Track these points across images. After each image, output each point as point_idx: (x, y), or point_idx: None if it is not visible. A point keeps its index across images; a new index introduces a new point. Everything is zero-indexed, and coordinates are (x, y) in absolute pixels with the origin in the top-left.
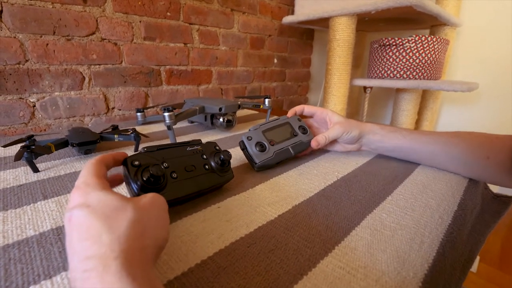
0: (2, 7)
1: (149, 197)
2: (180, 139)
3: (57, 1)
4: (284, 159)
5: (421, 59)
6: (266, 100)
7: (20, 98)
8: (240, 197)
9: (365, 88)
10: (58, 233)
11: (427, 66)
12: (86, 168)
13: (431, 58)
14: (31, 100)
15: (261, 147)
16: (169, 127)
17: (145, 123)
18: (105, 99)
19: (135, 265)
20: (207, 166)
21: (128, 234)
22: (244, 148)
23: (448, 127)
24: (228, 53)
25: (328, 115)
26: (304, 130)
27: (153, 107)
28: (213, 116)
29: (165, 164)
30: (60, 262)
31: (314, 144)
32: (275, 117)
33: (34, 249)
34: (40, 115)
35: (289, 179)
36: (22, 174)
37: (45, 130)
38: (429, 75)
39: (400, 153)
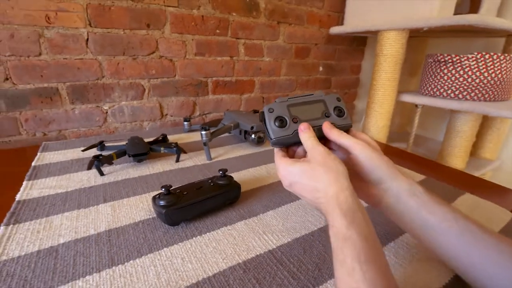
0: (88, 36)
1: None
2: (215, 151)
3: (127, 27)
4: None
5: (482, 79)
6: None
7: (97, 106)
8: (250, 222)
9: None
10: (109, 235)
11: (490, 86)
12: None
13: (495, 78)
14: (105, 108)
15: (281, 122)
16: (205, 144)
17: (190, 130)
18: (160, 107)
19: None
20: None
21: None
22: (262, 120)
23: None
24: (271, 64)
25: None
26: (340, 112)
27: (199, 115)
28: (246, 132)
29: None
30: (107, 260)
31: (324, 126)
32: (311, 92)
33: (92, 246)
34: (110, 120)
35: (299, 208)
36: (92, 177)
37: (113, 132)
38: (493, 95)
39: (435, 238)
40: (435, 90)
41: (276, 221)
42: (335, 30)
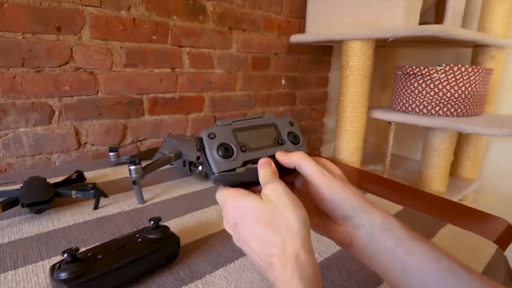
0: None
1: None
2: (150, 190)
3: (28, 30)
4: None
5: (453, 92)
6: None
7: None
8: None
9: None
10: None
11: (462, 100)
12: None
13: (466, 91)
14: None
15: (226, 151)
16: (134, 182)
17: (118, 163)
18: (76, 134)
19: None
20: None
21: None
22: (201, 149)
23: (500, 168)
24: (224, 77)
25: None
26: (295, 138)
27: (131, 143)
28: (191, 163)
29: None
30: None
31: (278, 156)
32: (259, 114)
33: None
34: (1, 154)
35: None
36: None
37: (5, 170)
38: (465, 110)
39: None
40: (407, 105)
41: (226, 283)
42: (296, 38)
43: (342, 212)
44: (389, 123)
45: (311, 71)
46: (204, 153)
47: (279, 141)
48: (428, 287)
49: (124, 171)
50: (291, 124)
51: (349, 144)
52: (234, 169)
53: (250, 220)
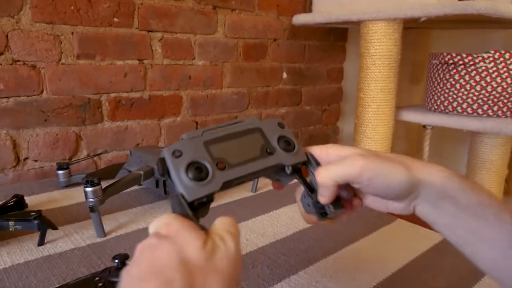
0: None
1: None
2: (111, 218)
3: None
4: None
5: (505, 86)
6: None
7: None
8: None
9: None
10: None
11: None
12: None
13: None
14: None
15: (198, 171)
16: (92, 209)
17: (70, 184)
18: (13, 147)
19: None
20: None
21: None
22: (164, 172)
23: None
24: (208, 70)
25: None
26: (288, 144)
27: (86, 158)
28: (166, 182)
29: None
30: None
31: (318, 177)
32: (238, 119)
33: None
34: None
35: None
36: None
37: None
38: None
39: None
40: (446, 103)
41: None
42: (300, 19)
43: (395, 196)
44: (424, 127)
45: (321, 61)
46: (169, 176)
47: (268, 150)
48: (495, 255)
49: (78, 195)
50: (281, 125)
51: None
52: (211, 195)
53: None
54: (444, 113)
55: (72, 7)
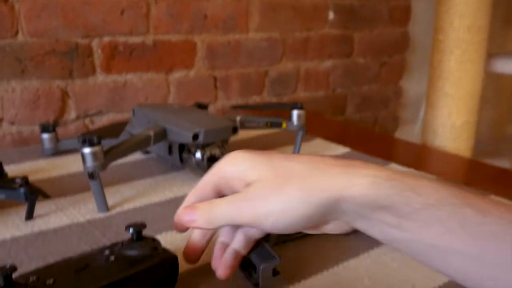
0: None
1: None
2: (114, 191)
3: None
4: None
5: None
6: (295, 113)
7: None
8: None
9: None
10: None
11: None
12: None
13: None
14: None
15: None
16: (92, 175)
17: (57, 152)
18: None
19: None
20: None
21: None
22: None
23: None
24: (228, 6)
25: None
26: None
27: (75, 119)
28: (183, 148)
29: None
30: None
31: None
32: None
33: None
34: None
35: None
36: None
37: None
38: None
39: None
40: None
41: None
42: None
43: (306, 227)
44: None
45: None
46: None
47: None
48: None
49: (69, 164)
50: None
51: (452, 120)
52: None
53: None
54: None
55: None
